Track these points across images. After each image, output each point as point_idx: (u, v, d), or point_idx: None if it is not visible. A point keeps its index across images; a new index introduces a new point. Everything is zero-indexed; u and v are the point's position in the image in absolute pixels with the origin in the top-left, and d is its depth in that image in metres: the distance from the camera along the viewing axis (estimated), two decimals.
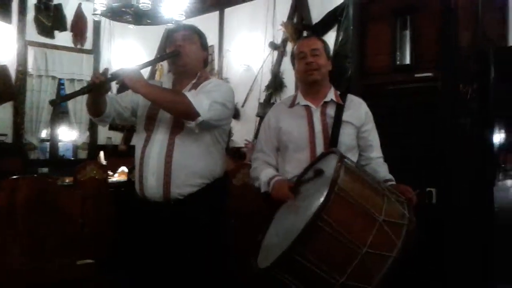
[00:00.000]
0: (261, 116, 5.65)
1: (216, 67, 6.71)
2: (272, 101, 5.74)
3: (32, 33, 6.37)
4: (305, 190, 1.90)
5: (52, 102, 1.86)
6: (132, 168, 2.27)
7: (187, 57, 2.11)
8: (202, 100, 1.98)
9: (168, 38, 2.24)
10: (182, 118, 2.00)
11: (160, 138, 2.07)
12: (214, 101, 2.01)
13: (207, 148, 2.12)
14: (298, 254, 1.55)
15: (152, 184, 2.03)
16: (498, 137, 3.02)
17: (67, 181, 4.22)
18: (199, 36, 2.22)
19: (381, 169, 2.10)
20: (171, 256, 2.02)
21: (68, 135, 7.06)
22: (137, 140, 2.17)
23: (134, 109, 2.20)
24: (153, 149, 2.05)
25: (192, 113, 1.95)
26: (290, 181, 1.99)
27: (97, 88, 1.92)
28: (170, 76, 2.25)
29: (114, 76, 1.93)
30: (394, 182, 2.01)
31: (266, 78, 5.90)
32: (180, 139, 2.05)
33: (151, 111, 2.13)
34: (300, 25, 5.50)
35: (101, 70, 6.85)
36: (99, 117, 2.11)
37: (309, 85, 2.16)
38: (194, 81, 2.17)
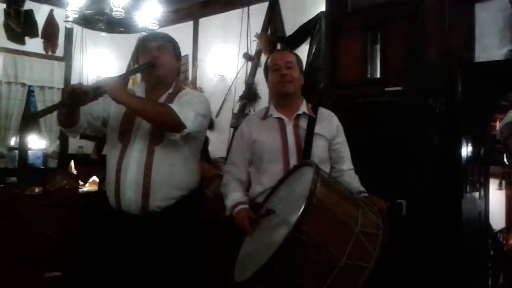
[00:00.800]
0: (235, 126, 5.65)
1: (190, 76, 6.70)
2: (246, 112, 5.75)
3: (1, 39, 6.22)
4: (277, 205, 1.91)
5: (34, 116, 1.80)
6: (103, 178, 2.21)
7: (163, 67, 2.09)
8: (188, 112, 1.98)
9: (142, 47, 2.17)
10: (166, 130, 1.98)
11: (138, 149, 2.01)
12: (198, 113, 2.02)
13: (185, 159, 2.12)
14: (277, 266, 1.56)
15: (130, 197, 1.98)
16: (465, 150, 3.10)
17: (36, 190, 4.12)
18: (173, 45, 2.20)
19: (353, 181, 2.14)
20: (148, 269, 2.00)
21: (38, 143, 6.90)
22: (110, 151, 2.10)
23: (105, 119, 2.14)
24: (131, 161, 2.00)
25: (178, 125, 1.95)
26: (251, 213, 2.02)
27: (78, 100, 1.85)
28: (143, 85, 2.21)
29: (96, 87, 1.87)
30: (366, 194, 2.05)
31: (240, 88, 5.92)
32: (159, 150, 2.02)
33: (126, 121, 2.07)
34: (274, 37, 5.55)
35: (72, 77, 6.82)
36: (71, 128, 2.04)
37: (282, 97, 2.18)
38: (170, 91, 2.15)
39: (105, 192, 2.13)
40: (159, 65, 2.07)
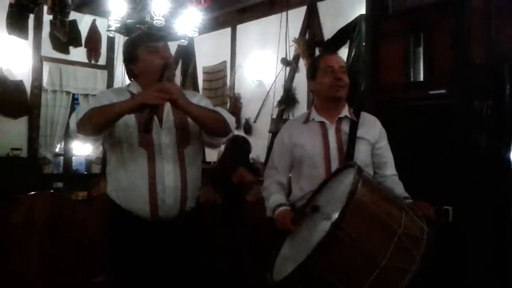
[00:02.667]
0: (273, 132, 5.66)
1: (228, 82, 6.76)
2: (284, 117, 5.75)
3: (47, 48, 6.46)
4: (321, 205, 1.90)
5: (145, 129, 1.79)
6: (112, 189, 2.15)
7: (173, 69, 2.13)
8: (229, 116, 2.04)
9: (146, 45, 2.04)
10: (218, 135, 2.04)
11: (169, 155, 1.97)
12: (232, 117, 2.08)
13: (200, 158, 2.18)
14: (315, 265, 1.54)
15: (170, 204, 1.95)
16: None
17: (81, 196, 4.23)
18: (168, 46, 2.17)
19: (397, 187, 2.09)
20: (187, 266, 2.03)
21: (81, 150, 7.11)
22: (130, 160, 1.97)
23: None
24: (166, 168, 1.96)
25: (228, 130, 2.02)
26: (292, 213, 2.02)
27: (157, 108, 1.83)
28: (137, 85, 2.09)
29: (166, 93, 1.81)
30: (411, 200, 2.00)
31: (278, 93, 5.93)
32: (187, 153, 2.03)
33: (150, 116, 1.95)
34: (312, 41, 5.53)
35: (114, 85, 6.99)
36: (100, 135, 1.93)
37: (332, 100, 2.14)
38: None
39: (115, 203, 2.02)
40: (171, 66, 2.06)
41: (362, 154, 2.07)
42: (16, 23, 5.99)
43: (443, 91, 2.88)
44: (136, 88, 2.07)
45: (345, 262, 1.56)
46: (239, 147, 4.18)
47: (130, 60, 2.09)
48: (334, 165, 2.05)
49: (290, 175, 2.28)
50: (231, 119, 2.04)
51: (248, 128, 6.24)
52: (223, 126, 2.00)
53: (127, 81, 7.47)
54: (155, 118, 1.95)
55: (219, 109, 2.08)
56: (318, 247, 1.53)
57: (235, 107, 6.39)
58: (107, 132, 1.94)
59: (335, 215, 1.58)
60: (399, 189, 2.09)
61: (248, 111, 6.35)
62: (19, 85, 6.16)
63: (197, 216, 2.11)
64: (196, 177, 2.09)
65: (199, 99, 2.14)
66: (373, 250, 1.55)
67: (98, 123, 1.85)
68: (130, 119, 1.96)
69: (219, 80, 6.93)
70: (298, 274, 1.58)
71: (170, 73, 2.05)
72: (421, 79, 2.97)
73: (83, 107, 1.99)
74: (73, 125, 1.92)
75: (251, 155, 4.74)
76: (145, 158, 1.95)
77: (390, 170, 2.16)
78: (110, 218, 2.05)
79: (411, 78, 3.02)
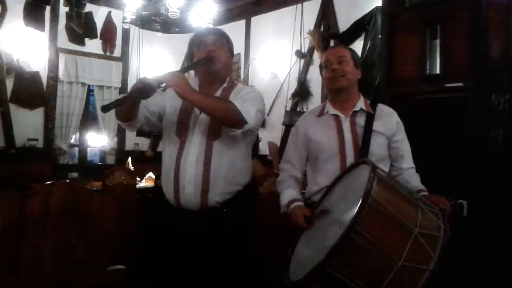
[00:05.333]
0: (287, 124, 5.65)
1: (242, 74, 6.75)
2: (298, 109, 5.74)
3: (63, 40, 6.51)
4: (333, 204, 1.89)
5: (104, 108, 1.82)
6: (159, 174, 2.25)
7: (219, 62, 2.08)
8: (249, 108, 1.99)
9: (197, 42, 2.15)
10: (229, 126, 2.01)
11: (196, 144, 2.02)
12: (258, 109, 2.04)
13: (242, 155, 2.13)
14: (331, 267, 1.53)
15: (189, 192, 1.99)
16: None
17: (95, 186, 4.29)
18: (227, 40, 2.20)
19: (413, 180, 2.07)
20: (205, 264, 2.02)
21: (96, 141, 7.18)
22: (168, 147, 2.11)
23: (161, 114, 2.15)
24: (190, 156, 2.01)
25: (241, 121, 1.96)
26: (306, 209, 2.02)
27: (144, 93, 1.85)
28: (196, 80, 2.20)
29: (161, 81, 1.86)
30: (426, 193, 1.98)
31: (292, 86, 5.91)
32: (217, 145, 2.03)
33: (183, 116, 2.08)
34: (327, 33, 5.50)
35: (129, 77, 7.03)
36: (129, 122, 2.04)
37: (335, 92, 2.15)
38: (224, 85, 2.16)
39: (161, 188, 2.14)
40: (215, 60, 2.07)
41: (377, 147, 2.05)
42: (33, 14, 6.05)
43: (459, 84, 2.84)
44: (194, 83, 2.16)
45: (360, 263, 1.55)
46: None
47: (189, 57, 2.20)
48: (349, 159, 2.04)
49: (305, 168, 2.27)
50: (247, 110, 1.97)
51: None
52: (232, 116, 1.95)
53: (142, 73, 7.47)
54: (196, 111, 2.05)
55: (242, 100, 2.02)
56: (334, 249, 1.52)
57: None
58: (155, 119, 2.11)
59: (350, 214, 1.57)
60: (415, 181, 2.07)
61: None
62: (35, 76, 6.23)
63: (230, 213, 2.06)
64: (227, 172, 2.04)
65: (245, 92, 2.14)
66: (389, 251, 1.54)
67: (121, 112, 1.99)
68: (175, 109, 2.08)
69: (233, 72, 6.93)
70: (314, 275, 1.58)
71: (215, 67, 2.08)
72: (438, 72, 2.94)
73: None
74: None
75: (262, 147, 4.72)
76: (177, 146, 2.05)
77: (407, 163, 2.13)
78: (154, 200, 2.13)
79: (427, 71, 2.99)
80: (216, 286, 2.03)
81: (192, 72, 2.33)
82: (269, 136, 5.77)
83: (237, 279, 2.07)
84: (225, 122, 2.00)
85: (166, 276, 2.02)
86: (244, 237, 2.14)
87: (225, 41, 2.18)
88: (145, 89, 1.82)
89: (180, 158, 2.02)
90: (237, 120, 1.96)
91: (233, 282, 2.05)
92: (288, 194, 2.13)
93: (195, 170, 2.00)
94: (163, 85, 1.86)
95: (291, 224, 2.02)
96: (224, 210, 2.03)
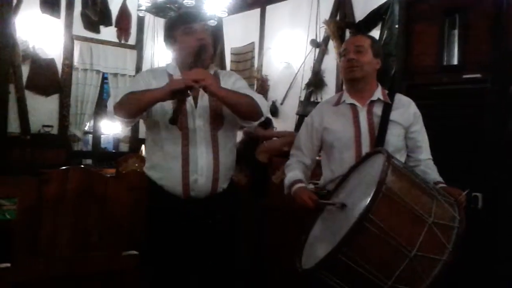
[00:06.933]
0: (300, 114, 5.62)
1: (256, 64, 6.73)
2: (312, 100, 5.70)
3: (78, 27, 6.54)
4: (347, 193, 1.89)
5: (172, 121, 1.78)
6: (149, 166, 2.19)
7: (209, 50, 2.06)
8: (261, 100, 2.03)
9: (183, 27, 2.05)
10: (248, 119, 2.04)
11: (202, 136, 2.01)
12: (264, 99, 2.08)
13: (235, 141, 2.21)
14: (344, 256, 1.52)
15: (202, 183, 1.99)
16: None
17: (109, 173, 4.32)
18: (209, 25, 2.19)
19: (431, 171, 2.05)
20: (213, 248, 2.05)
21: (110, 128, 7.23)
22: (166, 140, 2.02)
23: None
24: (199, 148, 2.00)
25: (259, 114, 2.01)
26: (310, 192, 2.03)
27: (186, 94, 1.85)
28: (174, 66, 2.12)
29: (195, 81, 1.81)
30: (444, 184, 1.95)
31: (307, 76, 5.87)
32: (221, 135, 2.05)
33: (179, 108, 1.98)
34: (343, 23, 5.44)
35: (144, 65, 7.05)
36: (135, 118, 1.99)
37: (349, 82, 2.13)
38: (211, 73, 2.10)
39: (154, 182, 2.07)
40: (206, 46, 2.04)
41: (394, 138, 2.03)
42: (49, 1, 6.08)
43: (477, 75, 2.81)
44: (174, 69, 2.11)
45: (373, 252, 1.54)
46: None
47: (168, 41, 2.13)
48: (365, 148, 2.02)
49: (317, 157, 2.26)
50: (263, 103, 2.03)
51: (275, 110, 6.22)
52: (254, 110, 1.99)
53: (156, 61, 7.51)
54: (191, 101, 2.00)
55: (251, 92, 2.07)
56: (346, 236, 1.52)
57: (262, 89, 6.36)
58: (145, 114, 2.00)
59: (364, 203, 1.56)
60: (432, 173, 2.04)
61: (276, 93, 6.32)
62: (50, 63, 6.28)
63: (231, 195, 2.14)
64: (229, 159, 2.10)
65: (235, 79, 2.16)
66: (403, 240, 1.52)
67: (132, 108, 1.92)
68: (166, 101, 1.99)
69: (247, 62, 6.90)
70: (326, 263, 1.58)
71: (206, 55, 2.04)
72: (455, 62, 2.91)
73: (122, 89, 2.06)
74: (110, 107, 1.98)
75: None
76: (180, 139, 2.00)
77: (424, 154, 2.10)
78: (147, 195, 2.11)
79: (445, 62, 2.96)
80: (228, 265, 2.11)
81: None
82: (283, 126, 5.75)
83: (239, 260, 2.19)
84: (247, 116, 2.02)
85: (176, 263, 2.02)
86: (239, 218, 2.27)
87: (208, 26, 2.16)
88: (186, 91, 1.82)
89: (188, 151, 1.99)
90: (256, 113, 2.00)
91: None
92: (293, 175, 2.14)
93: (207, 162, 2.00)
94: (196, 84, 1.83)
95: (296, 206, 2.03)
96: (227, 194, 2.11)
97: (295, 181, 2.10)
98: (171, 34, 2.10)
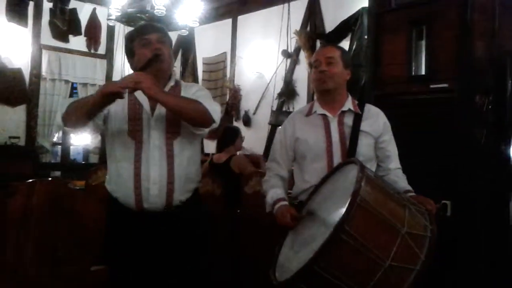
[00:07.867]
0: (273, 124, 5.64)
1: (228, 74, 6.73)
2: (284, 109, 5.74)
3: (46, 37, 6.43)
4: (320, 203, 1.89)
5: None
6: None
7: (165, 60, 2.04)
8: (214, 107, 2.00)
9: (139, 39, 2.05)
10: (198, 125, 1.98)
11: (156, 145, 1.97)
12: (219, 107, 2.06)
13: (196, 150, 2.14)
14: (320, 267, 1.53)
15: (154, 194, 1.94)
16: None
17: (78, 185, 4.23)
18: (168, 37, 2.15)
19: (400, 180, 2.08)
20: (171, 263, 1.99)
21: (79, 139, 7.09)
22: (120, 149, 2.00)
23: (106, 116, 2.03)
24: (151, 158, 1.95)
25: (210, 120, 1.96)
26: (292, 209, 2.01)
27: (115, 97, 1.82)
28: None
29: (131, 84, 1.80)
30: (413, 193, 1.99)
31: (279, 86, 5.91)
32: (177, 145, 2.01)
33: (134, 116, 2.00)
34: (314, 33, 5.51)
35: (114, 75, 6.96)
36: (84, 126, 1.96)
37: (321, 93, 2.16)
38: (172, 84, 2.10)
39: (109, 194, 2.04)
40: (162, 58, 2.02)
41: (365, 148, 2.05)
42: (16, 10, 5.95)
43: (444, 85, 2.86)
44: None
45: (348, 263, 1.55)
46: (230, 137, 4.15)
47: (128, 54, 2.12)
48: (336, 159, 2.04)
49: (292, 168, 2.27)
50: (214, 109, 1.98)
51: (247, 120, 6.23)
52: (203, 116, 1.94)
53: (126, 71, 7.43)
54: (148, 110, 1.99)
55: (207, 101, 2.02)
56: (322, 248, 1.52)
57: (235, 98, 6.37)
58: (101, 124, 1.98)
59: (338, 214, 1.57)
60: (402, 182, 2.07)
61: (248, 103, 6.34)
62: (18, 73, 6.13)
63: (193, 210, 2.07)
64: (188, 169, 2.04)
65: (196, 90, 2.13)
66: (377, 250, 1.54)
67: (77, 116, 1.91)
68: (122, 109, 1.99)
69: (219, 71, 6.90)
70: (302, 275, 1.57)
71: (162, 65, 2.02)
72: (423, 72, 2.96)
73: (69, 101, 2.00)
74: (59, 118, 1.98)
75: (245, 146, 4.70)
76: (133, 148, 1.97)
77: (394, 163, 2.14)
78: (107, 208, 2.06)
79: (413, 72, 3.01)
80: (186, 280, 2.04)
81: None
82: (255, 136, 5.77)
83: (204, 272, 2.11)
84: (195, 122, 1.97)
85: (134, 279, 1.95)
86: (208, 231, 2.17)
87: (167, 37, 2.13)
88: (117, 94, 1.79)
89: (140, 160, 1.95)
90: (206, 119, 1.96)
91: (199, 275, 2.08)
92: (274, 193, 2.12)
93: (159, 171, 1.95)
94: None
95: (277, 224, 2.01)
96: (185, 208, 2.03)
97: (278, 199, 2.08)
98: (130, 47, 2.08)
